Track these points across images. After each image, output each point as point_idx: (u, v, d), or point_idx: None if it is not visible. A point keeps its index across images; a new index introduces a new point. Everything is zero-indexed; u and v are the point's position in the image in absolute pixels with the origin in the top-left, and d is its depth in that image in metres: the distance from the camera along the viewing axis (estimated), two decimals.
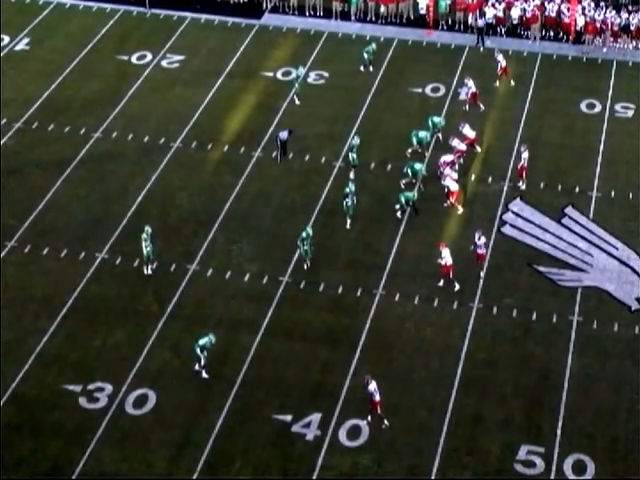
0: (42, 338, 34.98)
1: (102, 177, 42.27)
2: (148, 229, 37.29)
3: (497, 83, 47.77)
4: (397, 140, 44.00)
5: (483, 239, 37.10)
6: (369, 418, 32.14)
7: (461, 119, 44.05)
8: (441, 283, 36.98)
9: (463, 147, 42.23)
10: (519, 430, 32.13)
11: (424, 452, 31.44)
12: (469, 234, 39.08)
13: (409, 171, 41.05)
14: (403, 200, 39.74)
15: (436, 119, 43.66)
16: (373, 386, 31.88)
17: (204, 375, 33.50)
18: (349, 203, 39.17)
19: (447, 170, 40.73)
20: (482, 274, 37.07)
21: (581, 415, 32.59)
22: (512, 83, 47.87)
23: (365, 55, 48.52)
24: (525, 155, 41.27)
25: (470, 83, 45.90)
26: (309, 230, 37.40)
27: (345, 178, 41.33)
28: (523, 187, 41.36)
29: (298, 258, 38.10)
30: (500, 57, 47.76)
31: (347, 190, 39.21)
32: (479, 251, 37.13)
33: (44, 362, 34.16)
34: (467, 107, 45.89)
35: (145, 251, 37.14)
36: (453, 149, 41.99)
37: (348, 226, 39.09)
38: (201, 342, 33.33)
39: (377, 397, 31.89)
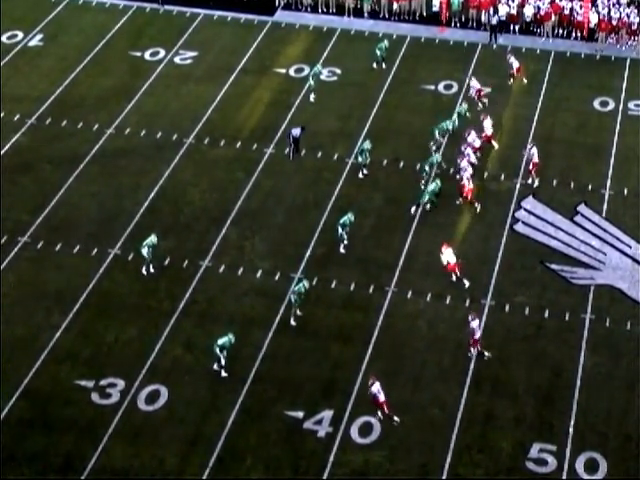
0: (55, 334, 35.05)
1: (115, 173, 42.30)
2: (154, 239, 37.21)
3: (510, 81, 47.59)
4: (409, 137, 43.97)
5: (476, 322, 33.91)
6: (380, 415, 32.14)
7: (483, 112, 43.84)
8: (453, 278, 36.93)
9: (478, 143, 42.06)
10: (531, 428, 32.09)
11: (436, 449, 31.42)
12: (481, 231, 39.11)
13: (426, 167, 40.90)
14: (428, 196, 39.50)
15: (462, 109, 43.62)
16: (376, 387, 31.88)
17: (223, 374, 33.46)
18: (344, 231, 38.07)
19: (464, 163, 40.46)
20: (480, 353, 34.02)
21: (593, 413, 32.52)
22: (525, 81, 47.73)
23: (377, 52, 48.44)
24: (533, 151, 41.17)
25: (473, 82, 46.00)
26: (305, 284, 35.47)
27: (356, 178, 41.56)
28: (536, 184, 41.25)
29: (310, 255, 38.12)
30: (512, 59, 47.61)
31: (346, 219, 38.15)
32: (475, 336, 33.95)
33: (57, 358, 34.24)
34: (486, 102, 45.64)
35: (145, 252, 37.05)
36: (469, 144, 41.82)
37: (342, 250, 38.32)
38: (220, 342, 33.29)
39: (381, 398, 31.91)
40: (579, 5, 51.16)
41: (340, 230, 37.96)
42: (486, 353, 34.14)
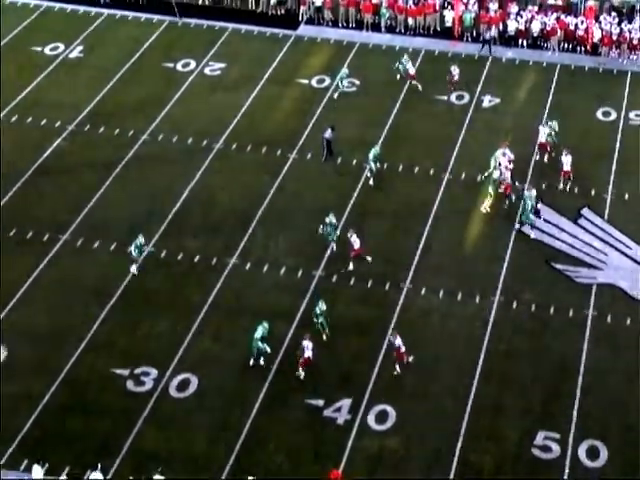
0: (93, 325, 35.29)
1: (148, 177, 42.48)
2: (141, 240, 37.32)
3: (518, 92, 47.55)
4: (424, 144, 44.03)
5: (398, 338, 33.15)
6: (302, 373, 32.80)
7: (541, 119, 43.36)
8: (351, 267, 37.17)
9: (511, 156, 41.39)
10: (536, 417, 32.15)
11: (447, 437, 31.51)
12: (490, 233, 39.18)
13: (491, 190, 40.03)
14: (531, 213, 39.06)
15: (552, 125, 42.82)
16: (306, 343, 32.63)
17: (261, 362, 33.51)
18: (324, 231, 37.87)
19: (495, 174, 40.15)
20: (407, 363, 33.32)
21: (595, 404, 32.55)
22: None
23: (400, 67, 48.17)
24: (568, 159, 40.88)
25: (408, 65, 47.24)
26: (322, 306, 34.48)
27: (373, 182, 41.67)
28: (573, 189, 41.04)
29: (330, 254, 38.21)
30: (453, 67, 47.75)
31: (328, 220, 37.97)
32: (401, 350, 33.10)
33: (95, 348, 34.50)
34: (419, 86, 46.46)
35: (134, 252, 37.04)
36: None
37: (333, 249, 38.28)
38: (257, 335, 33.19)
39: (307, 353, 32.55)
40: (581, 21, 51.05)
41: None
42: (410, 359, 33.45)
